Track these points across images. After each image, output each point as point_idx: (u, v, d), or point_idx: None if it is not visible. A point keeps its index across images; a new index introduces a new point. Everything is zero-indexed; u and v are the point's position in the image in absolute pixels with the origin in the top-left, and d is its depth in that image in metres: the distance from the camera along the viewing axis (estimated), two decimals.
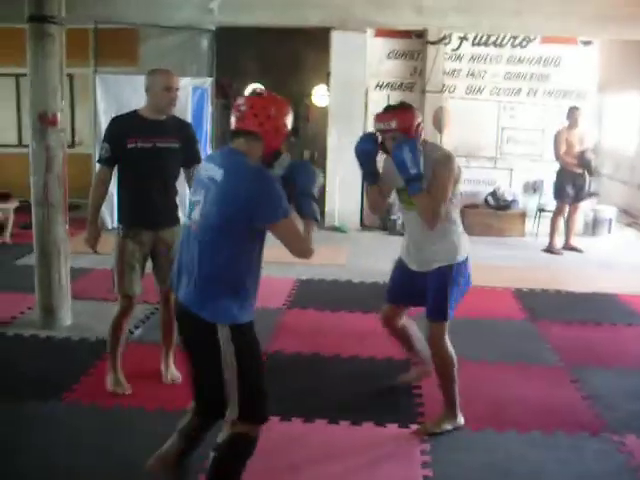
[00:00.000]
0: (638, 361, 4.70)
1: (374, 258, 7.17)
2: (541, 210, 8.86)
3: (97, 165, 3.94)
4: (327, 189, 8.74)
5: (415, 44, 8.97)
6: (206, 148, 8.85)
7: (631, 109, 10.71)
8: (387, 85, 9.08)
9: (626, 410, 3.91)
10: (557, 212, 8.22)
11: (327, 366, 4.44)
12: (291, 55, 12.14)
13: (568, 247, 8.29)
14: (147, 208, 3.83)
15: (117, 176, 3.89)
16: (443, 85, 8.87)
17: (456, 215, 3.52)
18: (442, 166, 3.32)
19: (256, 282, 2.61)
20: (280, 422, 3.61)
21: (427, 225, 3.36)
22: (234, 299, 2.51)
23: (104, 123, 8.12)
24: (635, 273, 7.17)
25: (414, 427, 3.62)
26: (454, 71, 9.06)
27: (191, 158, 3.90)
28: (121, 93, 8.12)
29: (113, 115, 4.17)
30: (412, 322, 3.94)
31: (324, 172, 9.26)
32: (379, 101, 8.96)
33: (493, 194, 9.08)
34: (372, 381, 4.21)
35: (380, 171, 3.59)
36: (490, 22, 8.60)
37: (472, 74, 9.10)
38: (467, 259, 3.54)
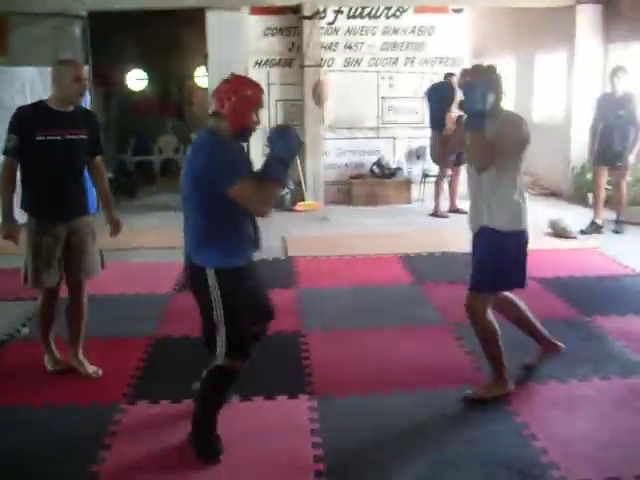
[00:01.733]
0: None
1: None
2: (426, 176, 9.10)
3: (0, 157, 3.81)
4: None
5: (291, 20, 8.97)
6: None
7: (507, 74, 11.16)
8: (266, 62, 9.06)
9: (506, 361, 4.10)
10: (439, 176, 8.49)
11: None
12: (171, 38, 11.91)
13: (453, 209, 8.58)
14: (61, 200, 3.79)
15: (21, 168, 3.78)
16: (321, 59, 8.93)
17: (521, 185, 3.44)
18: (510, 123, 3.34)
19: (238, 234, 3.03)
20: (170, 404, 3.64)
21: (474, 165, 3.37)
22: (217, 248, 2.99)
23: None
24: None
25: (303, 397, 3.69)
26: (331, 44, 9.12)
27: (97, 149, 3.96)
28: None
29: None
30: (517, 301, 3.80)
31: None
32: (259, 78, 8.94)
33: (377, 163, 9.25)
34: (262, 356, 4.23)
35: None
36: None
37: (349, 46, 9.20)
38: (520, 234, 3.45)
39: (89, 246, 3.93)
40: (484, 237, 3.49)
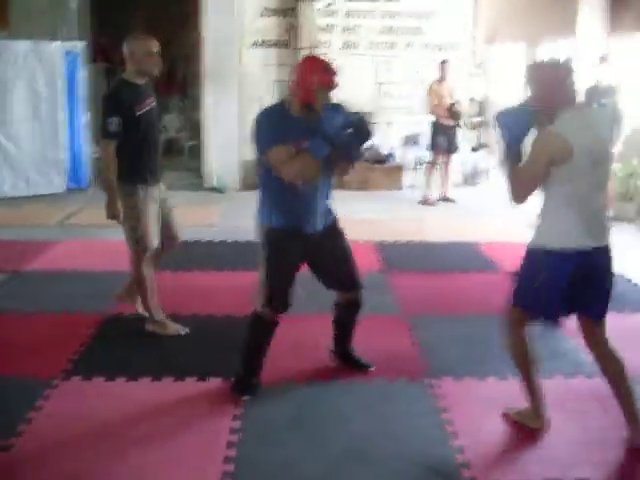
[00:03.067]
0: (474, 308, 4.79)
1: (248, 217, 7.15)
2: (419, 163, 9.01)
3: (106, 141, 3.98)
4: (204, 150, 8.65)
5: (288, 1, 8.88)
6: (80, 114, 8.63)
7: (517, 61, 10.95)
8: (262, 43, 8.99)
9: (450, 355, 4.06)
10: (431, 164, 8.40)
11: None
12: (178, 16, 11.87)
13: (444, 198, 8.50)
14: (157, 164, 4.15)
15: (123, 144, 3.94)
16: (318, 41, 8.84)
17: (576, 200, 2.92)
18: (534, 141, 2.95)
19: (288, 200, 3.30)
20: (104, 382, 3.67)
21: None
22: (269, 208, 3.36)
23: None
24: (502, 221, 7.35)
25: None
26: (329, 26, 9.04)
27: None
28: None
29: None
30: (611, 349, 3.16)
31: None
32: (255, 59, 8.92)
33: (370, 148, 9.17)
34: (206, 337, 4.28)
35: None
36: None
37: (347, 29, 9.10)
38: (564, 255, 2.94)
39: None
40: (526, 251, 3.13)
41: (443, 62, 8.13)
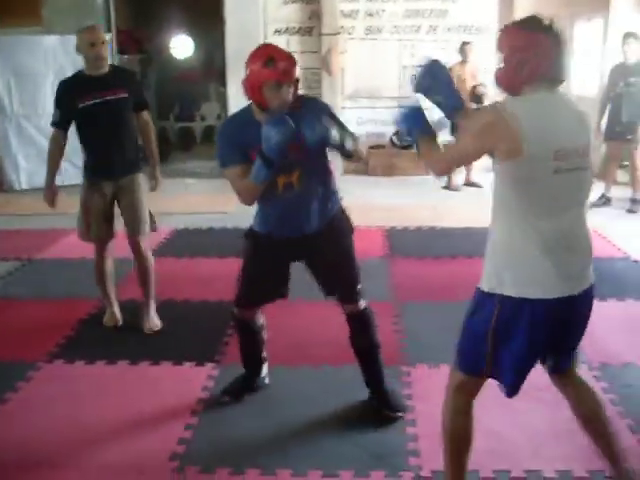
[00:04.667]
0: (464, 294, 4.71)
1: None
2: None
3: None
4: None
5: None
6: None
7: None
8: (286, 30, 9.01)
9: (432, 343, 3.98)
10: None
11: (159, 312, 4.54)
12: (217, 4, 11.96)
13: (468, 183, 8.37)
14: (106, 159, 4.06)
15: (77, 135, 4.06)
16: (341, 27, 8.81)
17: (537, 220, 2.19)
18: (474, 115, 2.50)
19: (266, 206, 3.06)
20: (84, 365, 3.82)
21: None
22: (255, 211, 3.15)
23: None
24: None
25: (209, 365, 3.78)
26: (352, 12, 8.98)
27: (140, 105, 4.17)
28: (18, 56, 8.13)
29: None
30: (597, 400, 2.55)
31: None
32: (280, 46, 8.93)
33: (397, 133, 9.03)
34: (186, 321, 4.41)
35: None
36: None
37: (370, 14, 9.02)
38: (526, 304, 2.20)
39: (136, 203, 4.15)
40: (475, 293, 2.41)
41: (464, 44, 7.99)
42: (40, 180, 8.35)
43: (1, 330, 4.29)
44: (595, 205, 6.96)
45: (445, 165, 2.48)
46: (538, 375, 2.50)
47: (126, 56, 10.17)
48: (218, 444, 3.05)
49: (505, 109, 2.16)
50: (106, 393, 3.53)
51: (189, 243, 6.17)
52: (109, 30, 8.76)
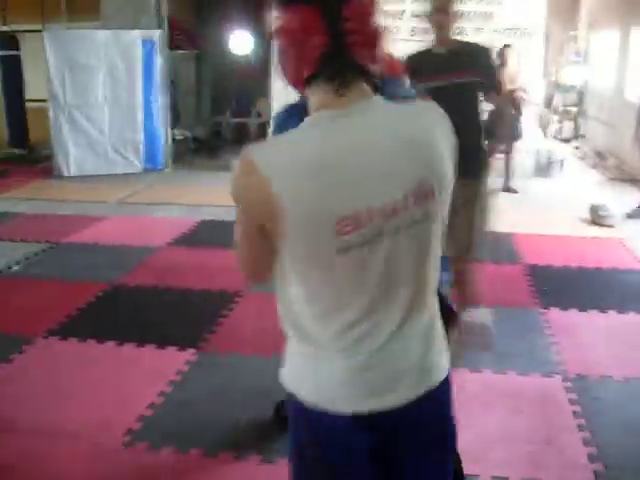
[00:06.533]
0: None
1: None
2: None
3: None
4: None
5: None
6: (156, 99, 9.16)
7: (613, 48, 10.38)
8: None
9: None
10: (489, 153, 8.18)
11: (159, 298, 4.76)
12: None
13: (506, 188, 8.27)
14: None
15: None
16: (385, 27, 8.81)
17: (325, 316, 1.45)
18: None
19: None
20: (77, 342, 4.06)
21: None
22: None
23: (55, 80, 8.60)
24: (554, 214, 7.11)
25: (190, 350, 3.94)
26: (397, 13, 9.00)
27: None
28: (74, 49, 8.55)
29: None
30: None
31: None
32: None
33: None
34: (178, 308, 4.59)
35: None
36: None
37: (416, 15, 9.00)
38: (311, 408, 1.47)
39: None
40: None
41: (505, 47, 7.90)
42: (88, 168, 8.92)
43: (12, 306, 4.58)
44: (632, 216, 6.79)
45: (252, 266, 1.57)
46: (500, 381, 2.52)
47: (181, 51, 10.48)
48: (173, 425, 3.21)
49: (249, 160, 1.32)
50: (86, 369, 3.75)
51: (210, 235, 6.36)
52: (159, 27, 9.06)
